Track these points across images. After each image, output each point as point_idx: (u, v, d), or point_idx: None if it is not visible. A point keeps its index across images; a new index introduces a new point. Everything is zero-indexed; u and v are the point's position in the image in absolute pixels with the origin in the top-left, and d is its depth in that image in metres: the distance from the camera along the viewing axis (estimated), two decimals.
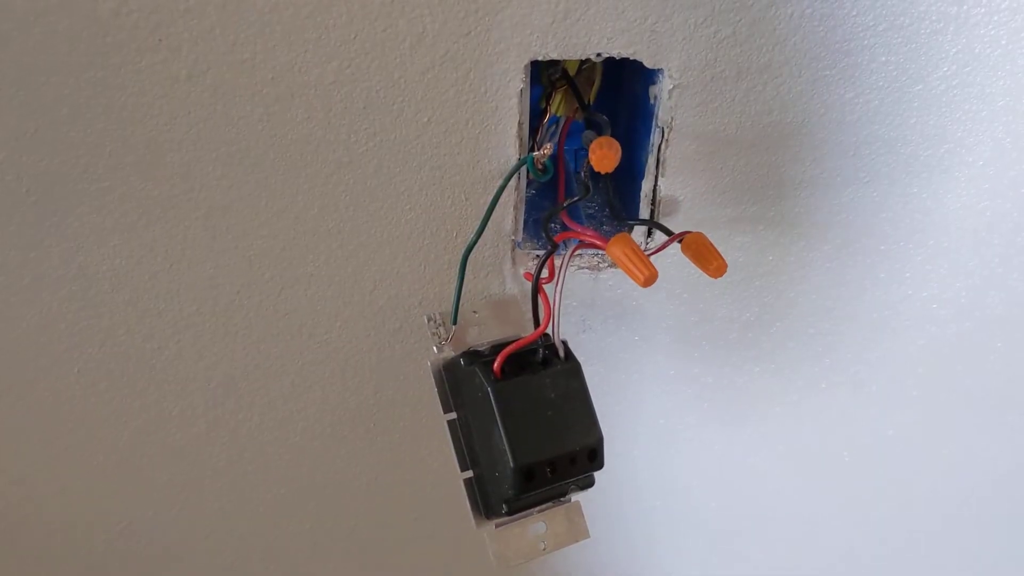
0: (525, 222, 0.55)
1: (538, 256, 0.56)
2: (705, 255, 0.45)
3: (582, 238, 0.47)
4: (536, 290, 0.47)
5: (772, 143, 0.52)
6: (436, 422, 0.50)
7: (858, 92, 0.50)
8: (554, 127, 0.56)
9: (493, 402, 0.45)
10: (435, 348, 0.50)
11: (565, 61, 0.51)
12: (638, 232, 0.56)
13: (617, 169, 0.53)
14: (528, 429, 0.45)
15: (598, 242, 0.46)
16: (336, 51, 0.46)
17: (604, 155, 0.43)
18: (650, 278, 0.43)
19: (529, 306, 0.50)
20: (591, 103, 0.57)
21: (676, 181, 0.53)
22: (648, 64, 0.48)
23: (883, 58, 0.49)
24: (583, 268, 0.57)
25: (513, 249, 0.55)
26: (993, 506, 0.74)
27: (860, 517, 0.75)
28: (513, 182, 0.51)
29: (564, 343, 0.48)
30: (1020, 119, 0.51)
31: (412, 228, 0.53)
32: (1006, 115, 0.51)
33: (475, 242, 0.49)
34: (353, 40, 0.45)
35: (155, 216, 0.50)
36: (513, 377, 0.46)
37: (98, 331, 0.55)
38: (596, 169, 0.44)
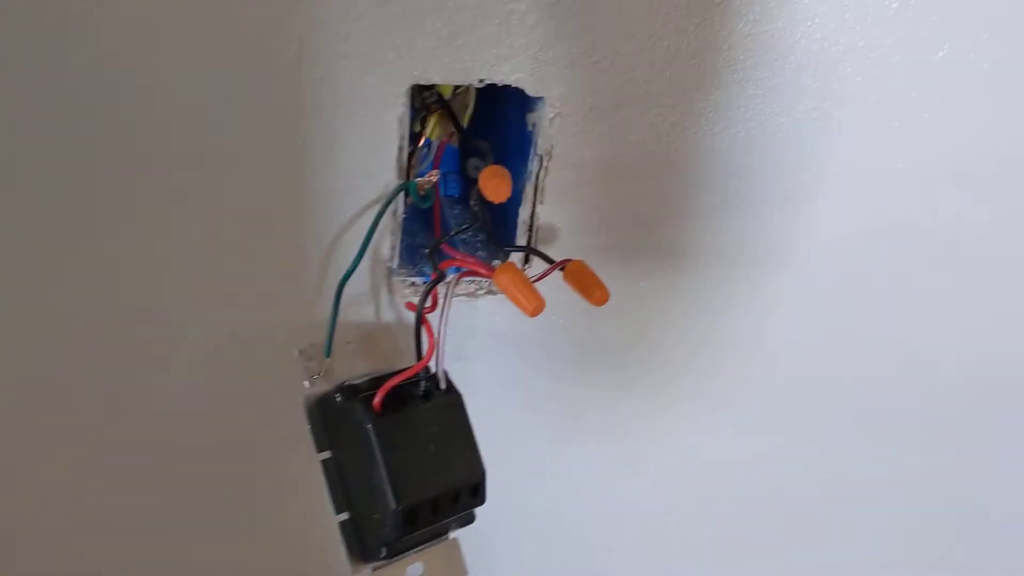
0: (400, 248, 0.54)
1: (414, 283, 0.55)
2: (588, 283, 0.45)
3: (467, 267, 0.46)
4: (420, 320, 0.46)
5: (646, 172, 0.52)
6: (307, 460, 0.48)
7: (727, 124, 0.52)
8: (426, 150, 0.55)
9: (374, 440, 0.43)
10: (307, 383, 0.47)
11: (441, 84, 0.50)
12: (514, 259, 0.55)
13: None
14: (410, 467, 0.44)
15: (483, 271, 0.45)
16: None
17: (498, 185, 0.43)
18: (538, 308, 0.42)
19: (403, 335, 0.48)
20: (465, 127, 0.57)
21: (553, 208, 0.53)
22: (530, 92, 0.47)
23: (751, 91, 0.51)
24: (459, 295, 0.55)
25: (389, 276, 0.53)
26: (855, 519, 0.78)
27: (732, 537, 0.77)
28: (391, 208, 0.50)
29: (445, 374, 0.47)
30: (872, 153, 0.54)
31: (287, 255, 0.50)
32: (860, 148, 0.54)
33: (352, 271, 0.47)
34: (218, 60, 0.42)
35: None
36: (394, 412, 0.45)
37: None
38: (489, 199, 0.43)
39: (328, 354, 0.48)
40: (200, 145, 0.44)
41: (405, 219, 0.55)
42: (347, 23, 0.43)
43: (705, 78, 0.50)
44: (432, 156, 0.55)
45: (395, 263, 0.53)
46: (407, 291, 0.54)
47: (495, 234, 0.56)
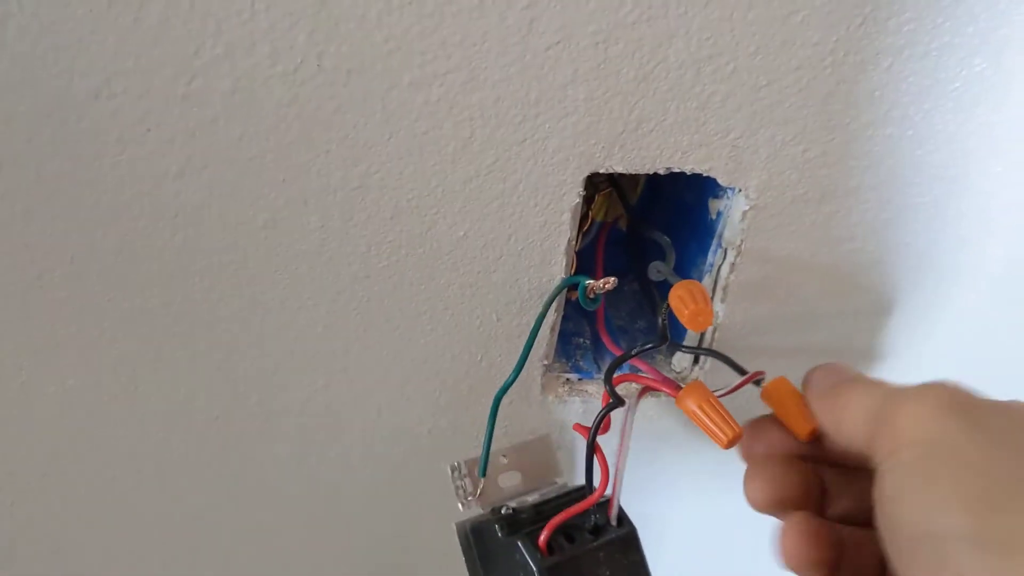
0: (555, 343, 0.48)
1: (568, 379, 0.49)
2: (794, 412, 0.38)
3: (651, 385, 0.40)
4: (592, 448, 0.39)
5: (849, 272, 0.45)
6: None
7: (946, 221, 0.44)
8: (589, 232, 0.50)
9: None
10: (460, 505, 0.42)
11: None
12: (684, 359, 0.49)
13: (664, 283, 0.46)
14: None
15: (668, 389, 0.39)
16: (364, 153, 0.38)
17: (699, 312, 0.36)
18: (734, 439, 0.36)
19: (561, 444, 0.43)
20: (634, 206, 0.51)
21: (736, 306, 0.46)
22: (723, 182, 0.41)
23: (979, 185, 0.43)
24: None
25: (544, 374, 0.47)
26: None
27: None
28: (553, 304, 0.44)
29: (620, 508, 0.41)
30: None
31: (430, 351, 0.45)
32: None
33: (512, 382, 0.42)
34: (387, 141, 0.37)
35: (122, 332, 0.42)
36: (561, 553, 0.39)
37: (37, 461, 0.46)
38: (689, 328, 0.37)
39: (483, 473, 0.42)
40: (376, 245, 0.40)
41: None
42: (524, 107, 0.37)
43: (928, 170, 0.42)
44: (597, 240, 0.50)
45: (550, 359, 0.47)
46: (561, 388, 0.48)
47: (666, 330, 0.50)
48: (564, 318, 0.48)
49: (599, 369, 0.49)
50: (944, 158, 0.42)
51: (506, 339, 0.45)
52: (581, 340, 0.51)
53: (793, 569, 0.32)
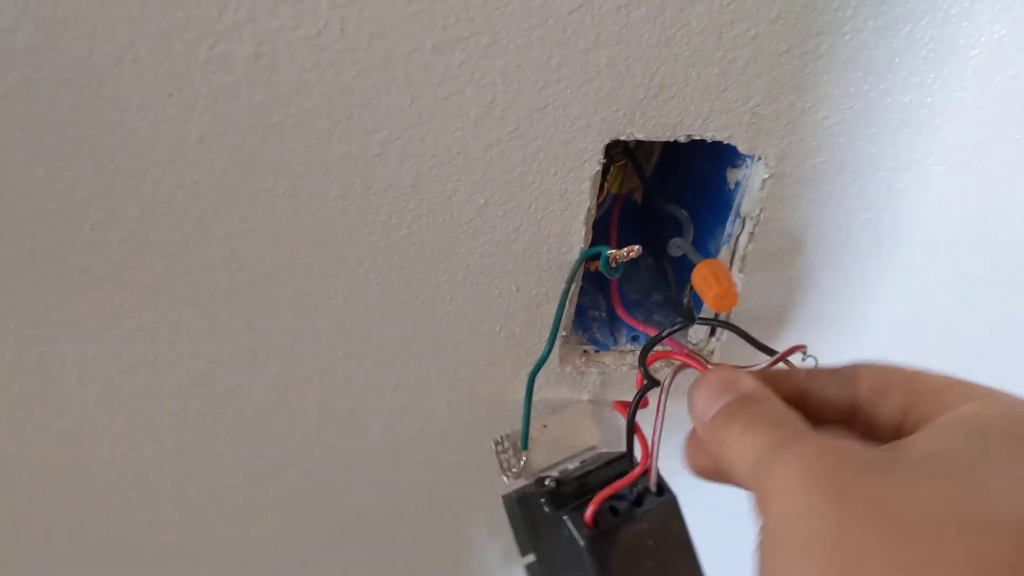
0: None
1: (586, 351, 0.49)
2: None
3: (682, 360, 0.39)
4: (632, 425, 0.39)
5: (866, 242, 0.46)
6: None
7: (965, 189, 0.44)
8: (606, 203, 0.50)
9: (588, 560, 0.37)
10: (504, 477, 0.42)
11: None
12: (700, 331, 0.49)
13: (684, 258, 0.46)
14: None
15: (697, 366, 0.38)
16: (386, 119, 0.38)
17: (725, 293, 0.36)
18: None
19: (598, 409, 0.42)
20: (648, 178, 0.51)
21: (753, 277, 0.46)
22: (743, 150, 0.41)
23: (997, 154, 0.43)
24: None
25: (561, 345, 0.47)
26: None
27: None
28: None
29: (659, 477, 0.41)
30: None
31: (449, 322, 0.45)
32: None
33: (545, 358, 0.42)
34: (408, 107, 0.37)
35: (142, 300, 0.41)
36: (606, 525, 0.39)
37: (55, 432, 0.45)
38: (714, 309, 0.37)
39: (525, 446, 0.42)
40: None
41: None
42: (546, 72, 0.37)
43: (946, 139, 0.42)
44: (612, 211, 0.50)
45: (568, 331, 0.47)
46: (579, 360, 0.48)
47: (681, 302, 0.50)
48: (580, 291, 0.48)
49: (615, 341, 0.49)
50: (963, 126, 0.42)
51: (524, 310, 0.45)
52: (597, 313, 0.51)
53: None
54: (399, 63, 0.36)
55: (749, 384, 0.31)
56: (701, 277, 0.37)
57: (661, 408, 0.36)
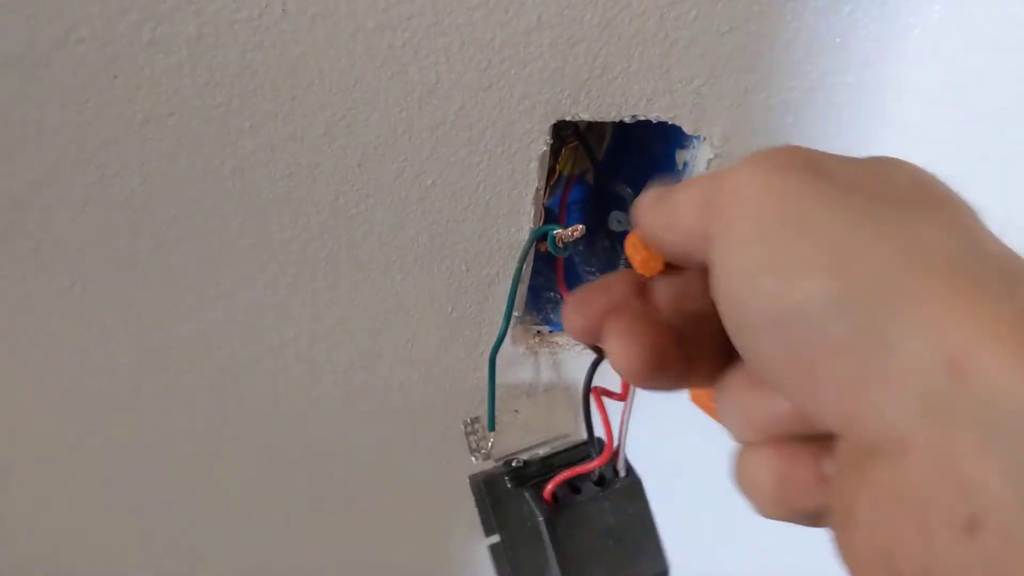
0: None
1: (539, 332, 0.49)
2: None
3: None
4: (587, 403, 0.40)
5: None
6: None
7: None
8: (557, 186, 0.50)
9: (545, 536, 0.38)
10: (472, 458, 0.42)
11: None
12: None
13: (625, 232, 0.47)
14: (585, 565, 0.38)
15: None
16: (330, 99, 0.38)
17: (651, 257, 0.37)
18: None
19: (571, 401, 0.43)
20: (600, 160, 0.51)
21: None
22: (688, 130, 0.42)
23: (941, 135, 0.44)
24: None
25: (515, 326, 0.48)
26: None
27: None
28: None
29: (625, 460, 0.41)
30: None
31: (400, 301, 0.45)
32: None
33: (502, 338, 0.42)
34: (352, 87, 0.38)
35: (92, 282, 0.42)
36: (566, 502, 0.39)
37: (8, 413, 0.46)
38: (642, 273, 0.38)
39: (492, 427, 0.43)
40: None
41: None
42: (490, 52, 0.38)
43: (890, 119, 0.43)
44: (563, 193, 0.50)
45: (521, 310, 0.48)
46: (532, 340, 0.49)
47: None
48: (534, 272, 0.49)
49: None
50: (906, 106, 0.43)
51: (475, 290, 0.46)
52: (551, 294, 0.51)
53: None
54: (342, 43, 0.36)
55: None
56: (631, 244, 0.38)
57: (630, 392, 0.36)
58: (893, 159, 0.23)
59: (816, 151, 0.23)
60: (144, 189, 0.39)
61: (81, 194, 0.39)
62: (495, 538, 0.42)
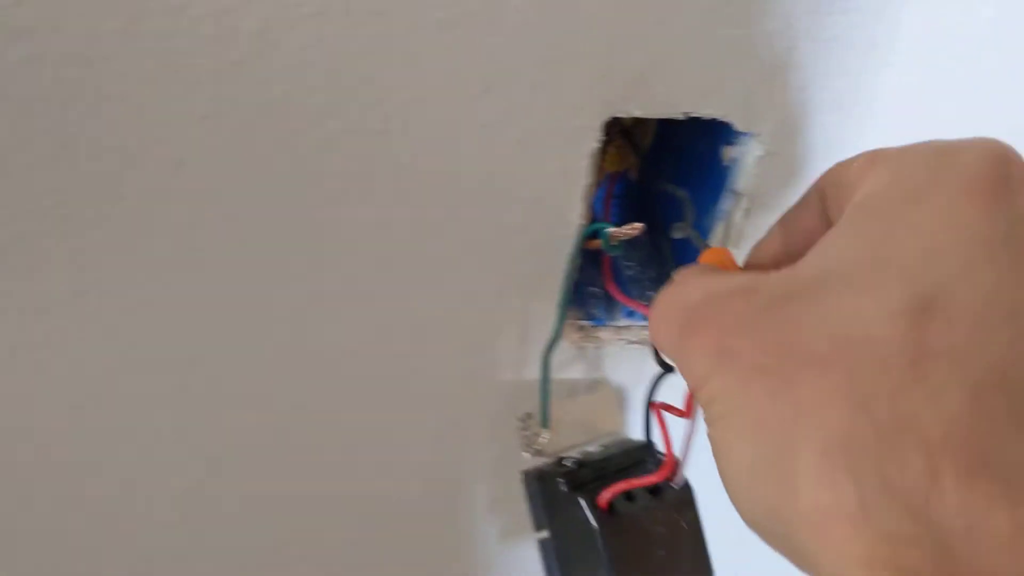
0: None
1: (583, 327, 0.50)
2: None
3: None
4: (648, 414, 0.40)
5: None
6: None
7: None
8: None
9: (600, 543, 0.38)
10: (526, 454, 0.43)
11: None
12: None
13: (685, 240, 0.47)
14: (636, 573, 0.39)
15: None
16: (387, 96, 0.38)
17: None
18: None
19: (619, 398, 0.43)
20: (644, 157, 0.51)
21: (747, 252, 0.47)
22: (739, 127, 0.42)
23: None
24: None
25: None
26: None
27: None
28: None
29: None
30: None
31: (447, 299, 0.46)
32: None
33: (557, 336, 0.42)
34: (411, 83, 0.38)
35: (149, 274, 0.42)
36: (620, 510, 0.40)
37: None
38: None
39: (545, 424, 0.43)
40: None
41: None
42: (542, 48, 0.38)
43: (932, 122, 0.43)
44: (607, 189, 0.50)
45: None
46: (575, 335, 0.49)
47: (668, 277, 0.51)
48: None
49: (611, 316, 0.50)
50: (952, 108, 0.43)
51: (522, 288, 0.46)
52: (593, 289, 0.52)
53: None
54: (399, 40, 0.37)
55: (695, 296, 0.27)
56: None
57: (695, 409, 0.36)
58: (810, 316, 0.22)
59: (735, 321, 0.23)
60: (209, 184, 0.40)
61: (134, 190, 0.39)
62: (545, 533, 0.42)
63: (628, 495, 0.40)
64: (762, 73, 0.40)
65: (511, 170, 0.41)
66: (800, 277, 0.23)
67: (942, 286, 0.21)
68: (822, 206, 0.27)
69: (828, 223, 0.27)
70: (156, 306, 0.43)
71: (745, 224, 0.45)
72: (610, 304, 0.51)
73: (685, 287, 0.27)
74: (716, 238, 0.47)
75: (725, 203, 0.46)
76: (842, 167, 0.26)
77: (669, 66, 0.39)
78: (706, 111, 0.41)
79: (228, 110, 0.37)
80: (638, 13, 0.37)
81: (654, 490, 0.40)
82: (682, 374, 0.25)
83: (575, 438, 0.44)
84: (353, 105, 0.38)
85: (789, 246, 0.29)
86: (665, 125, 0.51)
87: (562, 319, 0.42)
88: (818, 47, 0.40)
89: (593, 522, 0.39)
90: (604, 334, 0.50)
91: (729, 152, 0.45)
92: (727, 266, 0.34)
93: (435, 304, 0.46)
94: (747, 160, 0.44)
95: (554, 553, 0.41)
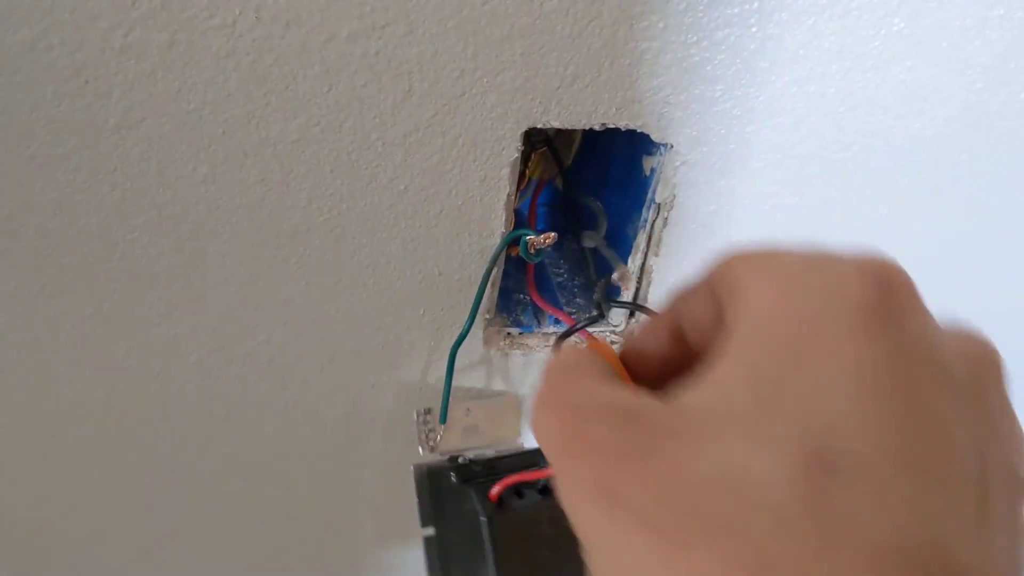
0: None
1: (509, 333, 0.50)
2: None
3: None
4: None
5: (777, 225, 0.47)
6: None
7: (869, 177, 0.47)
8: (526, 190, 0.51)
9: (486, 536, 0.38)
10: (420, 449, 0.43)
11: None
12: (618, 314, 0.51)
13: (594, 249, 0.48)
14: (520, 570, 0.39)
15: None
16: (304, 105, 0.38)
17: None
18: None
19: (522, 410, 0.44)
20: (569, 166, 0.52)
21: (668, 260, 0.48)
22: (656, 138, 0.43)
23: (896, 143, 0.45)
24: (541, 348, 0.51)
25: (485, 328, 0.49)
26: None
27: None
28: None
29: None
30: None
31: (372, 305, 0.46)
32: None
33: (464, 335, 0.43)
34: (326, 94, 0.38)
35: (61, 287, 0.41)
36: (509, 506, 0.40)
37: None
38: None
39: (443, 420, 0.43)
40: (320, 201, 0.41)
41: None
42: (462, 61, 0.38)
43: (849, 127, 0.44)
44: (532, 196, 0.51)
45: (491, 313, 0.48)
46: (503, 343, 0.50)
47: (600, 287, 0.51)
48: (504, 275, 0.49)
49: (539, 323, 0.51)
50: (863, 115, 0.44)
51: (447, 294, 0.46)
52: (521, 296, 0.52)
53: None
54: (316, 51, 0.37)
55: (579, 400, 0.25)
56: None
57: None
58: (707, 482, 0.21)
59: (611, 461, 0.22)
60: (115, 196, 0.39)
61: (50, 200, 0.39)
62: (430, 530, 0.42)
63: (518, 492, 0.40)
64: (677, 85, 0.41)
65: (433, 179, 0.42)
66: (688, 412, 0.22)
67: (836, 434, 0.20)
68: (713, 299, 0.25)
69: (718, 317, 0.25)
70: None
71: (664, 232, 0.46)
72: (537, 311, 0.51)
73: (570, 384, 0.25)
74: (638, 247, 0.48)
75: (646, 213, 0.46)
76: (727, 266, 0.24)
77: (586, 78, 0.40)
78: (623, 122, 0.42)
79: (140, 121, 0.37)
80: (556, 26, 0.38)
81: (544, 491, 0.41)
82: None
83: (471, 440, 0.45)
84: (269, 115, 0.38)
85: (677, 336, 0.27)
86: (590, 135, 0.52)
87: (473, 317, 0.42)
88: (735, 59, 0.41)
89: (481, 513, 0.39)
90: (531, 341, 0.50)
91: (649, 162, 0.46)
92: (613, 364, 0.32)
93: (358, 312, 0.46)
94: (666, 170, 0.44)
95: (438, 548, 0.41)
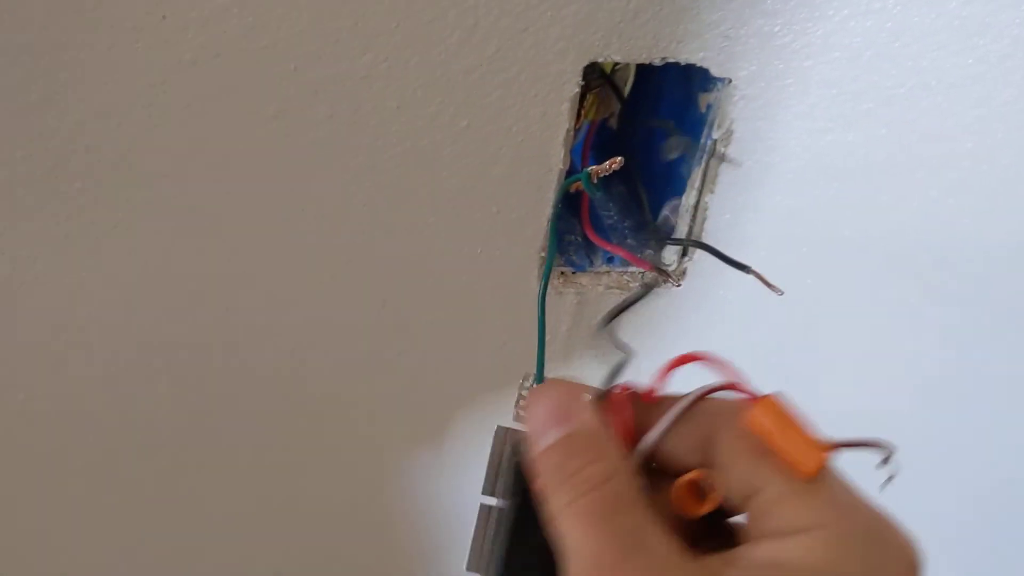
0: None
1: (563, 272, 0.51)
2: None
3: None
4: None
5: (833, 163, 0.48)
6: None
7: (921, 112, 0.47)
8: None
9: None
10: (513, 415, 0.41)
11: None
12: (672, 252, 0.51)
13: (650, 177, 0.48)
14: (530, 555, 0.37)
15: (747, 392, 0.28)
16: (372, 42, 0.39)
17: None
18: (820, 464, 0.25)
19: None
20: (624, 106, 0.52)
21: (724, 197, 0.48)
22: (715, 72, 0.43)
23: (949, 79, 0.46)
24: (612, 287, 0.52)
25: (540, 266, 0.49)
26: None
27: None
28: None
29: None
30: None
31: (430, 243, 0.47)
32: None
33: (548, 278, 0.43)
34: (393, 31, 0.39)
35: (135, 222, 0.43)
36: None
37: (54, 349, 0.47)
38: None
39: (540, 379, 0.40)
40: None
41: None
42: None
43: (905, 63, 0.45)
44: (586, 137, 0.51)
45: (545, 251, 0.49)
46: (557, 281, 0.51)
47: (651, 223, 0.52)
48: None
49: (591, 263, 0.52)
50: (918, 51, 0.45)
51: (503, 233, 0.47)
52: (572, 236, 0.53)
53: None
54: None
55: (585, 421, 0.28)
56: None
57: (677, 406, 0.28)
58: None
59: None
60: (189, 131, 0.40)
61: (127, 135, 0.40)
62: (492, 501, 0.38)
63: None
64: (738, 18, 0.41)
65: (494, 116, 0.42)
66: None
67: None
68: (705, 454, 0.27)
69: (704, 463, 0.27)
70: None
71: (721, 168, 0.47)
72: (590, 250, 0.52)
73: (581, 467, 0.27)
74: (693, 183, 0.48)
75: (702, 149, 0.47)
76: (767, 473, 0.25)
77: (648, 12, 0.40)
78: (683, 56, 0.42)
79: (214, 56, 0.38)
80: None
81: None
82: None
83: None
84: (339, 52, 0.39)
85: (703, 458, 0.27)
86: (642, 73, 0.52)
87: (551, 263, 0.42)
88: None
89: (516, 496, 0.34)
90: (584, 280, 0.51)
91: (705, 98, 0.46)
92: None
93: (417, 253, 0.47)
94: (723, 106, 0.45)
95: (499, 525, 0.37)
